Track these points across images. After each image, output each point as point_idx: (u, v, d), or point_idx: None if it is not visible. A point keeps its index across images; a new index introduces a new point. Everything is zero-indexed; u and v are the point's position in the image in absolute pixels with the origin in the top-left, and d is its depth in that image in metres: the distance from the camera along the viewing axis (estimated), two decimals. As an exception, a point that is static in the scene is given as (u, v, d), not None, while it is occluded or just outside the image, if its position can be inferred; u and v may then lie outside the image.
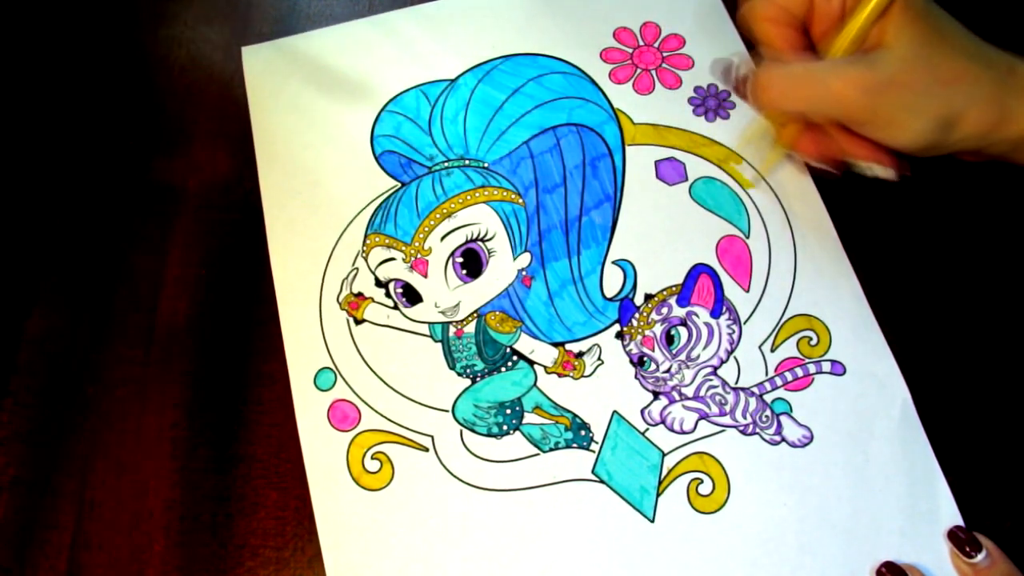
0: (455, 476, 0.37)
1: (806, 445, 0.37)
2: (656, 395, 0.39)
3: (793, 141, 0.40)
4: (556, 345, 0.40)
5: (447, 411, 0.39)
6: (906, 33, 0.33)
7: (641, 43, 0.47)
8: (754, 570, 0.35)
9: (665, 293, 0.41)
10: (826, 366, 0.39)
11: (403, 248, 0.42)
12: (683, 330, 0.40)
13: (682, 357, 0.39)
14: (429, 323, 0.40)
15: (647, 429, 0.38)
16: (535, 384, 0.39)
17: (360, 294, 0.41)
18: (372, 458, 0.38)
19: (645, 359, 0.39)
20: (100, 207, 0.45)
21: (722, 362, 0.39)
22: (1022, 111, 0.33)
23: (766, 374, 0.39)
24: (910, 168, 0.36)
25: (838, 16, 0.36)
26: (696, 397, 0.38)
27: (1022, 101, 0.33)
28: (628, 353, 0.39)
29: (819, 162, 0.39)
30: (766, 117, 0.42)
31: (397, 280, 0.41)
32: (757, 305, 0.40)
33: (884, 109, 0.33)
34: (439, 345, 0.40)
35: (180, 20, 0.50)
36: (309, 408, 0.39)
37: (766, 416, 0.38)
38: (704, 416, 0.38)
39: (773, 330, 0.40)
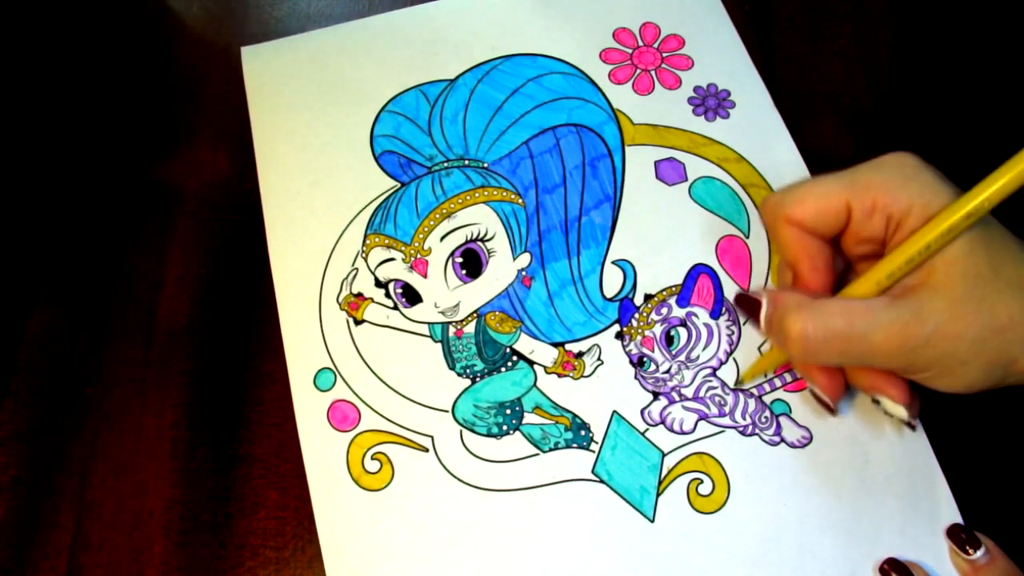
0: (455, 476, 0.37)
1: (806, 446, 0.37)
2: (656, 395, 0.39)
3: (803, 370, 0.36)
4: (556, 345, 0.40)
5: (447, 411, 0.39)
6: (957, 270, 0.29)
7: (641, 43, 0.47)
8: (754, 570, 0.35)
9: (665, 293, 0.41)
10: (826, 366, 0.39)
11: (403, 248, 0.42)
12: (683, 331, 0.40)
13: (682, 358, 0.39)
14: (429, 323, 0.40)
15: (647, 429, 0.38)
16: (535, 384, 0.39)
17: (360, 294, 0.41)
18: (372, 458, 0.38)
19: (645, 359, 0.39)
20: (100, 207, 0.45)
21: (721, 363, 0.39)
22: None
23: (765, 375, 0.39)
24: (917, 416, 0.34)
25: (879, 239, 0.31)
26: (696, 398, 0.38)
27: None
28: (628, 353, 0.39)
29: (827, 396, 0.35)
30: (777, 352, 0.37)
31: (397, 280, 0.41)
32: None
33: (931, 360, 0.30)
34: (439, 345, 0.40)
35: (180, 20, 0.50)
36: (309, 408, 0.39)
37: (765, 417, 0.38)
38: (704, 417, 0.38)
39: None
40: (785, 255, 0.34)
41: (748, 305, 0.34)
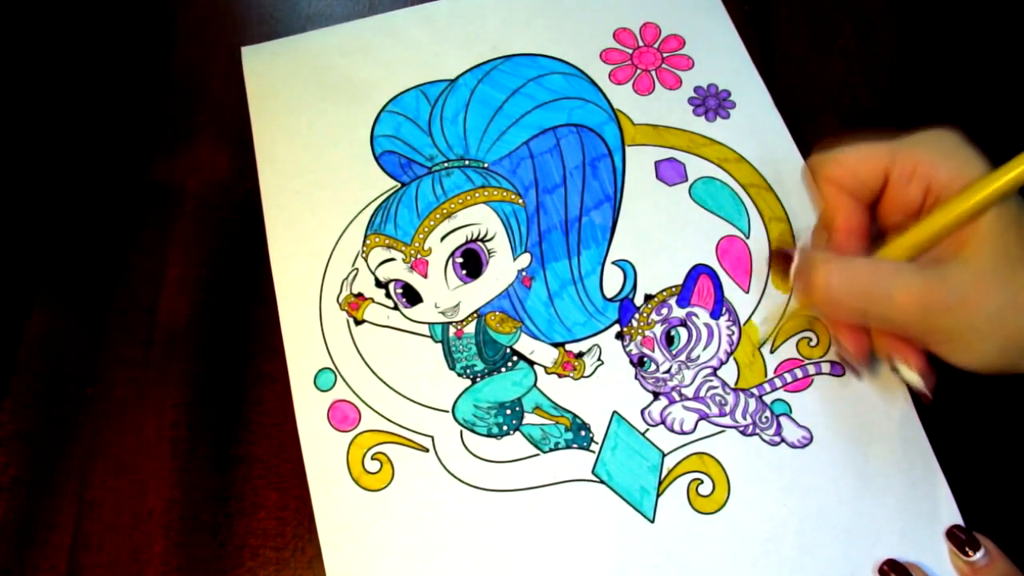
0: (455, 476, 0.37)
1: (806, 446, 0.37)
2: (656, 395, 0.39)
3: (831, 329, 0.37)
4: (556, 345, 0.40)
5: (447, 411, 0.39)
6: (989, 246, 0.29)
7: (641, 44, 0.47)
8: (754, 570, 0.35)
9: (665, 294, 0.41)
10: (825, 367, 0.39)
11: (403, 248, 0.42)
12: (683, 331, 0.40)
13: (682, 358, 0.39)
14: (429, 323, 0.40)
15: (647, 429, 0.38)
16: (535, 384, 0.39)
17: (360, 294, 0.41)
18: (372, 458, 0.38)
19: (645, 359, 0.39)
20: (100, 207, 0.45)
21: (722, 363, 0.39)
22: None
23: (766, 375, 0.39)
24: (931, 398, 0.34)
25: (915, 209, 0.32)
26: (696, 398, 0.38)
27: None
28: (628, 353, 0.39)
29: (852, 359, 0.36)
30: (801, 304, 0.38)
31: (397, 280, 0.41)
32: (756, 306, 0.40)
33: (950, 329, 0.30)
34: (439, 345, 0.40)
35: (180, 20, 0.50)
36: (309, 408, 0.39)
37: (766, 417, 0.38)
38: (704, 416, 0.38)
39: (773, 331, 0.40)
40: (822, 211, 0.34)
41: (781, 260, 0.35)
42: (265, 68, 0.47)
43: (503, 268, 0.41)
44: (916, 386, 0.34)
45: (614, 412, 0.38)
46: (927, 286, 0.30)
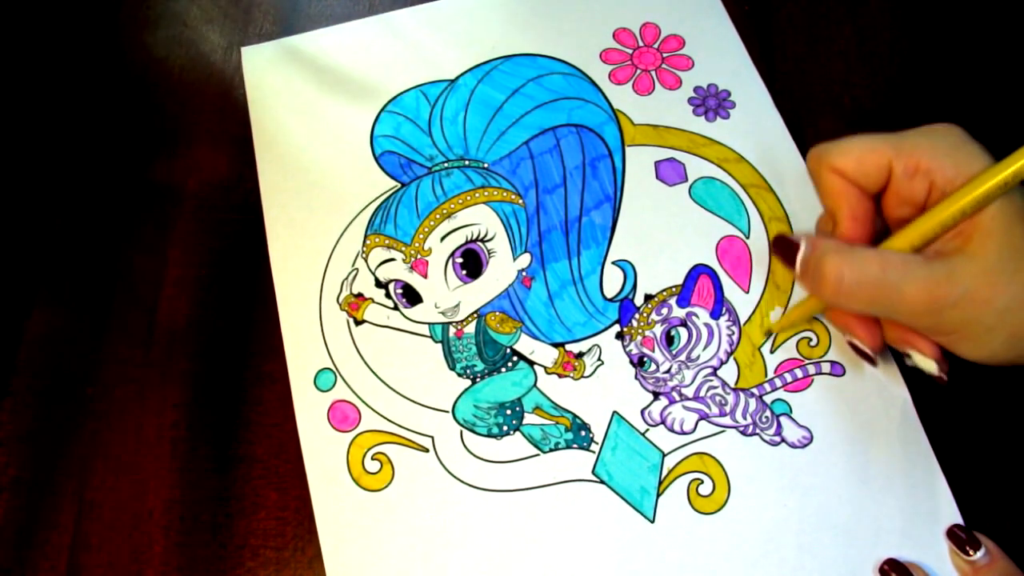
0: (455, 477, 0.37)
1: (806, 446, 0.37)
2: (656, 395, 0.39)
3: (841, 321, 0.36)
4: (556, 345, 0.40)
5: (447, 412, 0.39)
6: (993, 241, 0.29)
7: (641, 44, 0.47)
8: (754, 570, 0.35)
9: (665, 294, 0.41)
10: (826, 367, 0.39)
11: (403, 248, 0.42)
12: (683, 331, 0.40)
13: (682, 358, 0.39)
14: (429, 324, 0.40)
15: (647, 429, 0.38)
16: (535, 384, 0.39)
17: (360, 295, 0.41)
18: (372, 459, 0.38)
19: (645, 359, 0.39)
20: (100, 207, 0.45)
21: (722, 363, 0.39)
22: None
23: (766, 375, 0.39)
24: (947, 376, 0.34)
25: (919, 204, 0.32)
26: (696, 398, 0.38)
27: None
28: (628, 353, 0.39)
29: (867, 348, 0.35)
30: (813, 298, 0.38)
31: (397, 280, 0.41)
32: (757, 306, 0.40)
33: (958, 324, 0.30)
34: (439, 346, 0.40)
35: (180, 20, 0.50)
36: (309, 408, 0.39)
37: (766, 417, 0.38)
38: (704, 417, 0.38)
39: (782, 325, 0.40)
40: (826, 202, 0.34)
41: (786, 248, 0.34)
42: (265, 68, 0.47)
43: (503, 268, 0.41)
44: (932, 372, 0.34)
45: (614, 412, 0.38)
46: (934, 280, 0.30)
